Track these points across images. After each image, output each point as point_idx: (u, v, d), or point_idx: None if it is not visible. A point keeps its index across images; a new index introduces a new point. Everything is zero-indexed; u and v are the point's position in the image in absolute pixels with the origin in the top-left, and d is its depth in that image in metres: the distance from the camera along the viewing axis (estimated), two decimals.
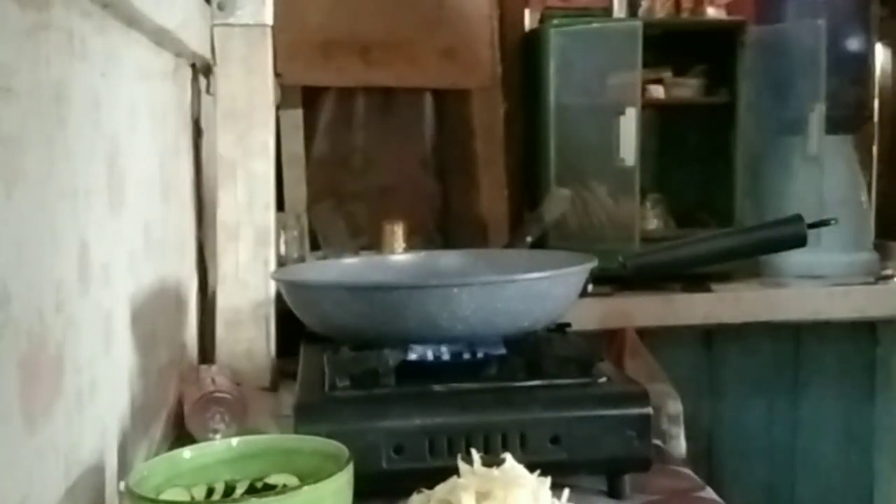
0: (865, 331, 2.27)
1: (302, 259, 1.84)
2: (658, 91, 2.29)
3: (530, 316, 0.92)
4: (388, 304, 0.89)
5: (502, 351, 0.97)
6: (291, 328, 1.07)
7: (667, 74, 2.32)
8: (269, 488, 0.71)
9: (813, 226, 0.93)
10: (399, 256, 1.36)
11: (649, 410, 0.88)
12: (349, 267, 1.21)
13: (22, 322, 0.57)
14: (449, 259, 1.12)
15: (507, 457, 0.73)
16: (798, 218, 0.95)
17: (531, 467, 0.72)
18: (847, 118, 2.37)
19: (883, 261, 2.35)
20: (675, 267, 1.10)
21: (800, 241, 0.92)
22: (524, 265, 0.99)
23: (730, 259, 1.01)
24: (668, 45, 2.30)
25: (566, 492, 0.73)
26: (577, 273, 0.96)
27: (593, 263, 0.97)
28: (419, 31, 2.18)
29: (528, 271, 0.93)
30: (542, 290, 0.92)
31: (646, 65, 2.16)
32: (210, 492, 0.71)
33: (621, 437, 0.87)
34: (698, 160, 2.43)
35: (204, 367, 1.23)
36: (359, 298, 0.91)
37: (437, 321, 0.88)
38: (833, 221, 0.94)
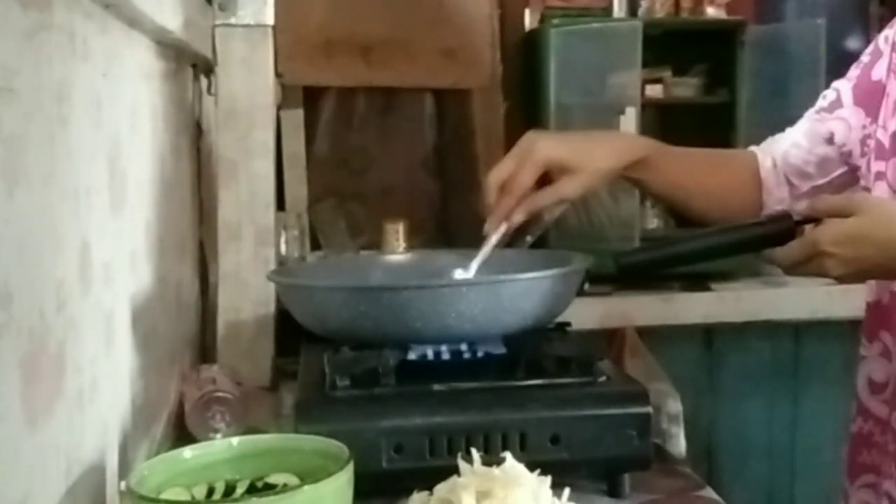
0: None
1: (303, 258, 1.84)
2: (658, 91, 2.29)
3: (533, 314, 0.93)
4: (395, 304, 0.89)
5: (502, 350, 0.97)
6: (291, 328, 1.07)
7: (667, 74, 2.32)
8: (269, 488, 0.71)
9: (801, 223, 0.94)
10: (400, 256, 1.36)
11: (649, 410, 0.88)
12: (349, 266, 1.21)
13: (23, 321, 0.57)
14: (449, 259, 1.12)
15: (507, 456, 0.74)
16: (786, 215, 0.96)
17: (531, 467, 0.72)
18: None
19: None
20: (665, 264, 1.11)
21: (787, 238, 0.92)
22: (524, 265, 1.00)
23: (719, 256, 1.01)
24: (668, 45, 2.30)
25: (566, 491, 0.73)
26: (581, 271, 0.98)
27: (590, 261, 0.98)
28: (420, 30, 2.18)
29: (530, 271, 0.93)
30: (546, 288, 0.93)
31: (646, 65, 2.16)
32: (210, 491, 0.71)
33: (621, 437, 0.87)
34: None
35: (204, 366, 1.23)
36: (366, 299, 0.91)
37: (445, 320, 0.88)
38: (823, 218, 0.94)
